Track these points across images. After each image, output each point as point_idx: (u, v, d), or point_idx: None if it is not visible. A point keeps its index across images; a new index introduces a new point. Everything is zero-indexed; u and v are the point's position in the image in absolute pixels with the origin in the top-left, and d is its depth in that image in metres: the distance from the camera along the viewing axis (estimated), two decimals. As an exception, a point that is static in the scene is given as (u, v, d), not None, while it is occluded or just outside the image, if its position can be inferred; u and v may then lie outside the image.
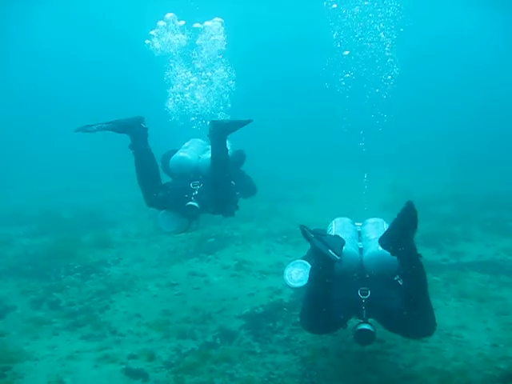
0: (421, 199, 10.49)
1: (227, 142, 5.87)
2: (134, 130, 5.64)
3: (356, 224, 5.36)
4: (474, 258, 7.93)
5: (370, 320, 4.38)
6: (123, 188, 13.23)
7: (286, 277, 4.95)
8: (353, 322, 4.52)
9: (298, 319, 5.78)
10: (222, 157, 5.76)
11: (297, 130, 20.15)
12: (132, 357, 5.14)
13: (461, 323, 5.73)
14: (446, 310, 6.06)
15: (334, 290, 4.34)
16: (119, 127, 5.58)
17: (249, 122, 5.63)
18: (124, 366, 4.95)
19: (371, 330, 4.32)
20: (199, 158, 6.14)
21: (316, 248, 4.17)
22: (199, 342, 5.52)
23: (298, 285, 4.85)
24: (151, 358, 5.13)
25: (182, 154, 6.09)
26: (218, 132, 5.68)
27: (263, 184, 6.92)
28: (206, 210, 5.91)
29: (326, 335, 5.26)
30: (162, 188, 5.87)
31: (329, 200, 11.22)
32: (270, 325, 5.86)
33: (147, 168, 5.78)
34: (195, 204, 5.74)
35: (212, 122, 5.76)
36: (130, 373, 4.83)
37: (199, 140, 6.55)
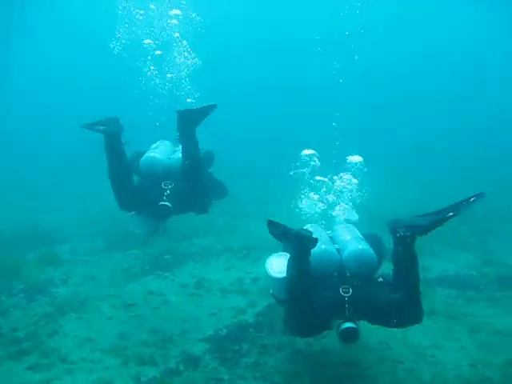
0: (379, 215, 10.50)
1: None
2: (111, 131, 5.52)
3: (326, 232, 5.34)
4: (438, 273, 7.85)
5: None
6: (68, 204, 12.60)
7: (268, 266, 4.83)
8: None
9: (266, 342, 5.54)
10: (194, 151, 5.75)
11: (259, 142, 19.93)
12: (86, 388, 4.64)
13: (434, 342, 5.57)
14: (416, 327, 5.82)
15: (313, 283, 4.39)
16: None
17: (213, 107, 5.75)
18: (77, 400, 4.44)
19: (355, 327, 4.29)
20: (169, 158, 6.00)
21: (289, 231, 4.31)
22: (160, 368, 5.09)
23: (279, 276, 4.70)
24: (108, 388, 4.64)
25: (152, 154, 5.90)
26: (185, 121, 5.70)
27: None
28: (177, 210, 5.78)
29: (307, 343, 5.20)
30: (135, 189, 5.73)
31: (290, 217, 10.92)
32: (236, 348, 5.49)
33: (121, 167, 5.59)
34: (168, 204, 5.61)
35: (178, 112, 5.72)
36: (85, 407, 4.33)
37: (167, 142, 6.39)
